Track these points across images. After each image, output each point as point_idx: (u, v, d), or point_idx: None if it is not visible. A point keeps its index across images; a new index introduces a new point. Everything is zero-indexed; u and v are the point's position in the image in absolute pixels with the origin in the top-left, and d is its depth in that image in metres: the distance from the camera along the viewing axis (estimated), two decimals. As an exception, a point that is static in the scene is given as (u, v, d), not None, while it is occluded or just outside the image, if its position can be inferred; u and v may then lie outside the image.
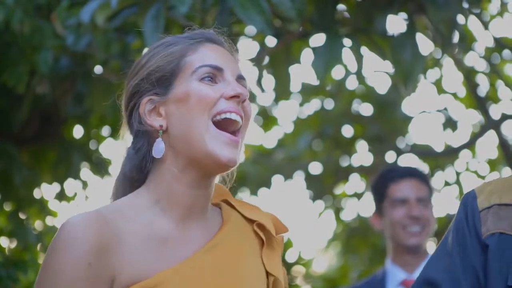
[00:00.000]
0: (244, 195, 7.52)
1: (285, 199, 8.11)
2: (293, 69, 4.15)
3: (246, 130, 1.69)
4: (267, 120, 7.19)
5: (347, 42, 3.69)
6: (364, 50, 3.77)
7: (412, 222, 3.37)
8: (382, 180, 3.53)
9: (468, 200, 1.86)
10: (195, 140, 1.62)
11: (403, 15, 3.76)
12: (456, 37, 3.81)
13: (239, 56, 1.78)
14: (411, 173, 3.52)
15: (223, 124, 1.65)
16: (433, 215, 3.48)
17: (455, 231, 1.84)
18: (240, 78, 1.70)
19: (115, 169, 1.78)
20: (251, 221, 1.72)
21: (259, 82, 4.23)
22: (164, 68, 1.68)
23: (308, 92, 6.77)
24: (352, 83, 6.43)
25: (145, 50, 1.78)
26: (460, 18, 3.94)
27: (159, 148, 1.65)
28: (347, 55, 3.83)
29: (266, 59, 3.98)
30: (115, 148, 5.93)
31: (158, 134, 1.65)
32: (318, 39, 3.73)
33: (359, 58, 3.70)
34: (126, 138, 1.75)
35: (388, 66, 4.02)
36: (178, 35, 1.75)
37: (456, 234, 1.83)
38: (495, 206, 1.83)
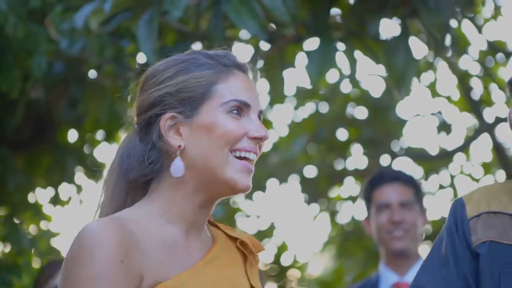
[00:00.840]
0: (239, 199, 7.53)
1: (280, 203, 8.12)
2: (287, 73, 4.16)
3: None
4: (262, 123, 7.19)
5: (340, 46, 3.70)
6: (357, 54, 3.78)
7: (394, 226, 3.37)
8: (368, 186, 3.54)
9: (457, 209, 1.87)
10: (214, 167, 1.67)
11: (396, 19, 3.78)
12: (448, 41, 3.83)
13: (257, 85, 1.82)
14: (395, 177, 3.50)
15: (240, 158, 1.71)
16: (422, 218, 3.47)
17: (447, 239, 1.84)
18: (260, 114, 1.76)
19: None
20: (233, 239, 1.78)
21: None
22: (194, 90, 1.69)
23: (302, 95, 6.79)
24: (346, 87, 6.45)
25: (168, 60, 1.75)
26: (453, 22, 3.96)
27: (178, 167, 1.68)
28: (340, 59, 3.85)
29: (260, 63, 3.99)
30: (110, 152, 5.93)
31: (176, 153, 1.68)
32: (312, 43, 3.75)
33: (352, 62, 3.71)
34: (127, 140, 1.76)
35: (382, 70, 4.04)
36: (203, 52, 1.76)
37: (448, 243, 1.84)
38: (484, 214, 1.84)
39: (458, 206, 1.87)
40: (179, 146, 1.67)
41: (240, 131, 1.68)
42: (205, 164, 1.67)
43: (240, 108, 1.70)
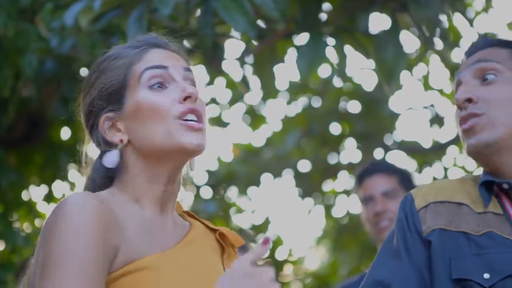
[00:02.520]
0: (232, 194, 7.54)
1: (275, 197, 8.14)
2: (279, 68, 4.17)
3: (207, 118, 1.73)
4: (255, 118, 7.21)
5: (330, 41, 3.71)
6: (348, 49, 3.79)
7: (379, 218, 3.41)
8: (355, 183, 3.60)
9: (406, 203, 1.93)
10: (163, 138, 1.66)
11: (385, 14, 3.79)
12: (438, 35, 3.84)
13: (185, 53, 1.79)
14: (374, 169, 3.55)
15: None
16: None
17: (398, 232, 1.89)
18: (186, 71, 1.72)
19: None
20: (213, 230, 1.78)
21: (243, 81, 4.25)
22: (113, 83, 1.69)
23: (295, 90, 6.79)
24: (338, 81, 6.46)
25: (92, 66, 1.76)
26: (444, 16, 3.96)
27: (110, 160, 1.69)
28: (331, 54, 3.86)
29: (250, 59, 4.00)
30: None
31: (117, 147, 1.69)
32: (302, 38, 3.76)
33: (342, 57, 3.72)
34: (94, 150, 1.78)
35: (372, 64, 4.05)
36: (121, 45, 1.76)
37: (399, 235, 1.88)
38: (432, 204, 1.90)
39: (407, 200, 1.93)
40: (120, 140, 1.69)
41: (166, 101, 1.66)
42: (151, 141, 1.66)
43: (161, 77, 1.67)
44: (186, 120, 1.67)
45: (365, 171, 3.56)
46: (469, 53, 2.00)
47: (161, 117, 1.66)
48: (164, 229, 1.69)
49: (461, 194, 1.91)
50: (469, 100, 1.90)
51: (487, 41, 2.00)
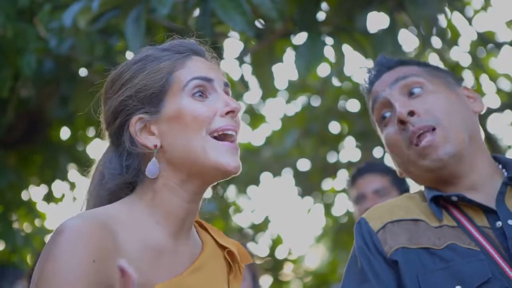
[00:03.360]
0: (232, 193, 7.55)
1: (274, 196, 8.15)
2: (278, 67, 4.18)
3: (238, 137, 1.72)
4: (254, 118, 7.22)
5: (328, 40, 3.72)
6: (346, 48, 3.80)
7: None
8: (349, 183, 3.63)
9: (362, 228, 1.88)
10: (197, 154, 1.62)
11: (383, 13, 3.79)
12: (436, 34, 3.85)
13: (219, 62, 1.78)
14: (366, 170, 3.58)
15: (220, 137, 1.66)
16: None
17: (361, 258, 1.84)
18: (226, 86, 1.71)
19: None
20: (222, 247, 1.75)
21: (242, 81, 4.25)
22: (153, 85, 1.65)
23: (294, 89, 6.80)
24: (337, 80, 6.47)
25: (124, 63, 1.71)
26: (442, 15, 3.97)
27: (154, 169, 1.64)
28: (329, 53, 3.87)
29: (249, 58, 4.00)
30: (103, 148, 5.94)
31: (153, 153, 1.64)
32: (301, 38, 3.76)
33: (340, 56, 3.73)
34: (108, 150, 1.72)
35: (371, 63, 4.05)
36: (158, 47, 1.72)
37: (363, 261, 1.83)
38: (389, 224, 1.86)
39: (362, 225, 1.88)
40: (155, 146, 1.63)
41: (209, 111, 1.63)
42: (186, 154, 1.62)
43: (203, 87, 1.65)
44: (222, 136, 1.64)
45: (358, 171, 3.59)
46: (376, 76, 1.98)
47: (200, 126, 1.62)
48: (175, 252, 1.64)
49: (415, 211, 1.87)
50: (412, 113, 1.87)
51: (390, 62, 1.99)
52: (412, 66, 1.97)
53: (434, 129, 1.86)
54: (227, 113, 1.65)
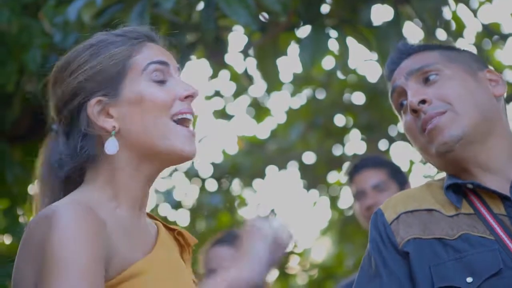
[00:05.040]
0: (237, 186, 7.56)
1: (280, 190, 8.15)
2: (282, 60, 4.18)
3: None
4: (259, 111, 7.22)
5: (333, 33, 3.72)
6: (350, 41, 3.80)
7: (371, 211, 3.42)
8: (347, 180, 3.64)
9: (377, 219, 1.89)
10: (155, 138, 1.66)
11: (387, 6, 3.79)
12: (440, 26, 3.84)
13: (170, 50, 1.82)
14: (362, 165, 3.58)
15: (179, 121, 1.70)
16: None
17: (373, 252, 1.86)
18: (179, 71, 1.76)
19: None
20: (171, 230, 1.78)
21: (246, 74, 4.26)
22: (112, 68, 1.68)
23: (299, 82, 6.80)
24: (343, 73, 6.47)
25: (74, 49, 1.75)
26: (446, 7, 3.97)
27: (113, 146, 1.66)
28: (333, 46, 3.87)
29: (253, 51, 4.00)
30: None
31: (111, 134, 1.66)
32: (305, 31, 3.76)
33: (344, 49, 3.73)
34: (49, 143, 1.74)
35: (375, 56, 4.05)
36: (111, 32, 1.76)
37: (375, 254, 1.85)
38: (402, 214, 1.87)
39: (377, 216, 1.90)
40: (113, 127, 1.66)
41: (169, 96, 1.68)
42: (145, 137, 1.66)
43: (161, 71, 1.69)
44: (181, 120, 1.68)
45: (354, 167, 3.60)
46: (395, 63, 1.99)
47: (161, 110, 1.66)
48: (140, 230, 1.68)
49: (430, 201, 1.88)
50: (423, 102, 1.88)
51: (410, 49, 2.00)
52: (431, 52, 1.98)
53: (444, 113, 1.87)
54: (186, 97, 1.69)
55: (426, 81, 1.92)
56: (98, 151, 1.68)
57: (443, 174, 1.98)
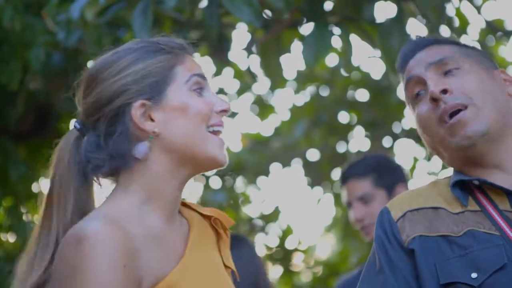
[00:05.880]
0: (240, 183, 7.56)
1: (284, 187, 8.15)
2: (286, 58, 4.18)
3: None
4: (263, 108, 7.22)
5: (336, 30, 3.71)
6: (354, 38, 3.79)
7: (360, 223, 3.44)
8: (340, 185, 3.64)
9: (383, 217, 1.90)
10: (196, 145, 1.73)
11: (391, 3, 3.78)
12: (444, 23, 3.83)
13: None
14: (348, 175, 3.55)
15: (213, 132, 1.80)
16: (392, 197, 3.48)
17: (378, 249, 1.86)
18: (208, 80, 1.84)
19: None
20: (207, 217, 1.83)
21: (250, 72, 4.26)
22: (158, 74, 1.74)
23: (303, 79, 6.80)
24: (346, 70, 6.46)
25: (115, 51, 1.77)
26: (450, 4, 3.96)
27: (144, 149, 1.71)
28: (337, 43, 3.86)
29: (256, 49, 4.00)
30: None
31: (149, 138, 1.72)
32: (308, 28, 3.76)
33: (348, 46, 3.72)
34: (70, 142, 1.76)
35: (379, 53, 4.04)
36: (152, 40, 1.81)
37: (380, 251, 1.85)
38: (408, 212, 1.87)
39: (384, 214, 1.90)
40: (154, 132, 1.71)
41: (209, 107, 1.76)
42: (185, 143, 1.72)
43: (201, 84, 1.77)
44: (215, 131, 1.78)
45: (342, 177, 3.58)
46: (409, 55, 1.98)
47: (202, 120, 1.74)
48: (172, 236, 1.72)
49: (436, 198, 1.88)
50: (445, 91, 1.87)
51: (425, 40, 1.99)
52: (448, 45, 1.97)
53: (466, 107, 1.86)
54: (222, 111, 1.79)
55: (446, 73, 1.91)
56: (135, 154, 1.72)
57: (448, 172, 1.98)
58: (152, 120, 1.71)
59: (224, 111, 1.79)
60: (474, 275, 1.75)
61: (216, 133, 1.78)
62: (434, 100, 1.87)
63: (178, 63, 1.77)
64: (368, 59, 6.52)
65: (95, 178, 1.74)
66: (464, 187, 1.88)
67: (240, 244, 3.42)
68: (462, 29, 5.69)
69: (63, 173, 1.74)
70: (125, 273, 1.56)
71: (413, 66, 1.95)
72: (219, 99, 1.80)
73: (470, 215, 1.83)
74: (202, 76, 1.78)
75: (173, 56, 1.77)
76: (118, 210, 1.67)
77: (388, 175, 3.52)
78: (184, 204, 1.83)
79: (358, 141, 6.98)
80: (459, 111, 1.86)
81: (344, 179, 3.55)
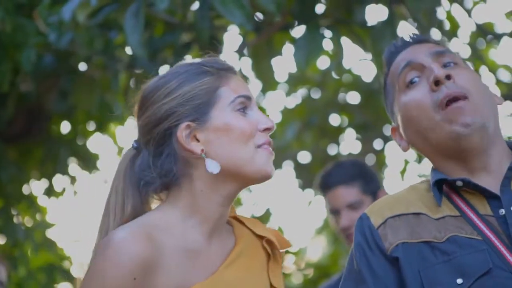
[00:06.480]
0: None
1: (275, 189, 8.15)
2: (277, 60, 4.18)
3: None
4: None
5: (327, 33, 3.72)
6: (345, 41, 3.80)
7: (347, 231, 3.35)
8: (320, 193, 3.55)
9: (362, 223, 1.87)
10: (243, 163, 1.80)
11: (382, 6, 3.79)
12: (435, 26, 3.85)
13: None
14: (334, 181, 3.44)
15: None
16: None
17: (358, 258, 1.83)
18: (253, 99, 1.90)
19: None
20: (260, 237, 1.88)
21: (241, 74, 4.26)
22: (202, 96, 1.82)
23: (294, 82, 6.80)
24: (337, 73, 6.47)
25: (163, 74, 1.87)
26: (440, 7, 3.97)
27: (214, 164, 1.79)
28: (328, 46, 3.87)
29: (247, 51, 4.01)
30: (102, 143, 5.96)
31: (201, 156, 1.79)
32: (299, 31, 3.77)
33: (339, 49, 3.73)
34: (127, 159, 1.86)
35: (370, 56, 4.05)
36: (196, 62, 1.88)
37: (361, 260, 1.82)
38: (389, 219, 1.85)
39: (363, 220, 1.87)
40: (202, 150, 1.78)
41: (252, 126, 1.82)
42: (231, 161, 1.79)
43: (246, 104, 1.83)
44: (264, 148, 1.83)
45: (326, 184, 3.46)
46: (402, 46, 1.97)
47: (247, 139, 1.81)
48: (209, 251, 1.79)
49: (416, 204, 1.86)
50: (448, 77, 1.86)
51: (420, 38, 2.00)
52: (444, 45, 1.99)
53: (466, 98, 1.85)
54: (266, 129, 1.85)
55: (445, 65, 1.90)
56: (183, 174, 1.80)
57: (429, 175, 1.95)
58: (197, 140, 1.79)
59: (268, 130, 1.85)
60: (459, 280, 1.74)
61: (264, 149, 1.83)
62: (437, 83, 1.85)
63: (223, 84, 1.83)
64: (359, 61, 6.54)
65: (149, 194, 1.84)
66: (441, 189, 1.85)
67: None
68: (453, 32, 5.71)
69: (119, 188, 1.85)
70: (133, 285, 1.66)
71: (412, 53, 1.93)
72: (263, 117, 1.85)
73: (450, 220, 1.82)
74: (247, 97, 1.84)
75: (218, 78, 1.83)
76: (160, 220, 1.76)
77: (372, 181, 3.46)
78: (240, 220, 1.90)
79: (349, 144, 6.99)
80: (458, 100, 1.84)
81: (329, 186, 3.44)
